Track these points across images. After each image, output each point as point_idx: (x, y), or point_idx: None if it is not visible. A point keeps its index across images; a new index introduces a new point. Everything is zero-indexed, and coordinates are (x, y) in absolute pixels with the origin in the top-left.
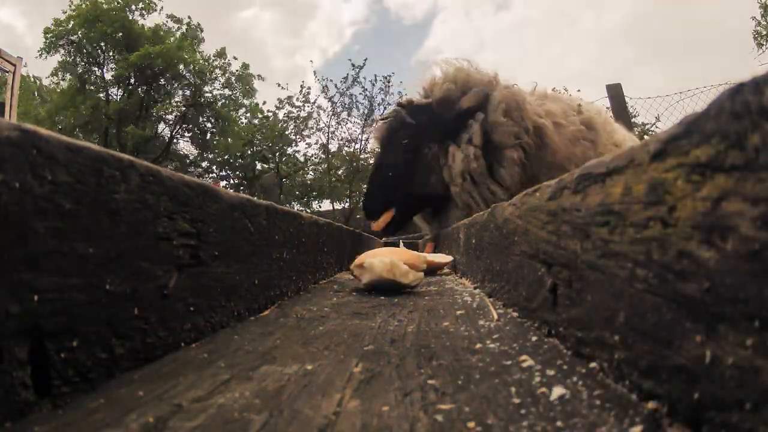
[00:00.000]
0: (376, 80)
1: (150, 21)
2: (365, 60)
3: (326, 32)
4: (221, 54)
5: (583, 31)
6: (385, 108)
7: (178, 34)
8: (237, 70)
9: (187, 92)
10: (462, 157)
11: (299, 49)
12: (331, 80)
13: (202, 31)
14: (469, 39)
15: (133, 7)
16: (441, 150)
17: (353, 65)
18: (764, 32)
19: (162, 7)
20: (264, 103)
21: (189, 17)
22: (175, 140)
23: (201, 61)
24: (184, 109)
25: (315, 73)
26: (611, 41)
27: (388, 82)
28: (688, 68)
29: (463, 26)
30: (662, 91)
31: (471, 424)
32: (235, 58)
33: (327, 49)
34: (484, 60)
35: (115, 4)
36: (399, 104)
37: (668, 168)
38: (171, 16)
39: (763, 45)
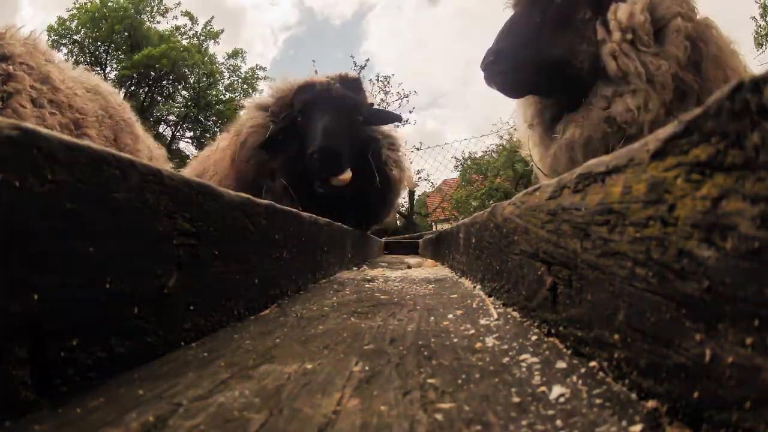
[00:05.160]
0: (378, 79)
1: (162, 24)
2: (366, 60)
3: (260, 38)
4: (234, 54)
5: None
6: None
7: (191, 33)
8: (245, 72)
9: (190, 93)
10: (627, 10)
11: (238, 53)
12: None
13: (222, 31)
14: (409, 34)
15: (141, 6)
16: (595, 12)
17: (355, 63)
18: (764, 32)
19: (179, 3)
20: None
21: (212, 17)
22: (175, 140)
23: (208, 64)
24: (185, 109)
25: (316, 73)
26: None
27: (387, 82)
28: None
29: (398, 22)
30: None
31: (471, 424)
32: (244, 59)
33: (265, 54)
34: (433, 57)
35: (124, 3)
36: None
37: (668, 167)
38: (187, 14)
39: (762, 45)
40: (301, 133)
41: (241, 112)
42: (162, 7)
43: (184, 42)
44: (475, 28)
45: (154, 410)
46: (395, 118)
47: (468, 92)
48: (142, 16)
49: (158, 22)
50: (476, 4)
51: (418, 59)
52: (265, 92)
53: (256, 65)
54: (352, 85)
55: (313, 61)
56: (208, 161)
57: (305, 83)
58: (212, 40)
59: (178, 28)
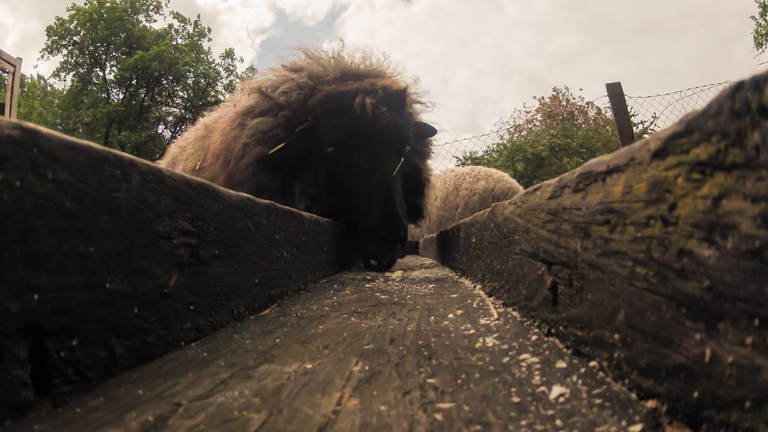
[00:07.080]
0: None
1: (158, 23)
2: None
3: (236, 41)
4: (228, 54)
5: (511, 21)
6: None
7: (183, 33)
8: (243, 72)
9: (188, 93)
10: None
11: (229, 54)
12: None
13: (210, 30)
14: (384, 34)
15: (138, 5)
16: None
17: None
18: (764, 32)
19: (169, 5)
20: None
21: (198, 16)
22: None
23: (205, 64)
24: (184, 110)
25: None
26: (547, 30)
27: None
28: (647, 54)
29: (373, 22)
30: (622, 79)
31: (471, 423)
32: (242, 60)
33: (243, 57)
34: (411, 56)
35: (120, 3)
36: None
37: (669, 166)
38: (177, 15)
39: (762, 44)
40: (331, 164)
41: (237, 91)
42: (154, 3)
43: (179, 41)
44: (450, 26)
45: (154, 410)
46: (431, 131)
47: (449, 91)
48: (138, 16)
49: (155, 21)
50: (449, 2)
51: (396, 59)
52: (269, 76)
53: (251, 65)
54: (396, 103)
55: None
56: (185, 142)
57: (336, 92)
58: (204, 38)
59: (170, 26)
